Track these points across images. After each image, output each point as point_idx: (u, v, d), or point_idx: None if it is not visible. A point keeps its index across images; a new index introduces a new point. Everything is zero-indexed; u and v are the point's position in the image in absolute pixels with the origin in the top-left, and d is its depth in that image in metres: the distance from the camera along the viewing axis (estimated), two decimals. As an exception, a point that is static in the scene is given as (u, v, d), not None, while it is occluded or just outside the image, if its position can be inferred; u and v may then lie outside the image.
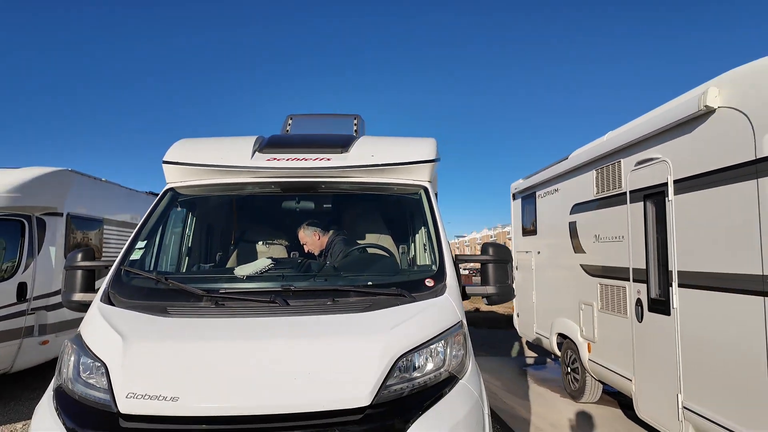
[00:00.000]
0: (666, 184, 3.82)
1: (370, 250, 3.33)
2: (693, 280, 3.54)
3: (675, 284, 3.71)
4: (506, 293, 2.81)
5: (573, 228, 5.62)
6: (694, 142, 3.55)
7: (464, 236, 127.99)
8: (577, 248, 5.51)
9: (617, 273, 4.64)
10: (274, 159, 3.02)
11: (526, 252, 7.32)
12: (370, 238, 3.62)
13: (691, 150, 3.59)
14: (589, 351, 5.22)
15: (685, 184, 3.63)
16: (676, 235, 3.72)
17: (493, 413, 5.13)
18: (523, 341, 8.81)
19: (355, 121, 4.71)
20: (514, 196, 7.90)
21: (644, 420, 4.26)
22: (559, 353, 6.13)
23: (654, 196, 4.06)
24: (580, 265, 5.41)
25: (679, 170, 3.70)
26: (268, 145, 3.21)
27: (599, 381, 5.29)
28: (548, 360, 7.80)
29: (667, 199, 3.82)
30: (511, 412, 5.17)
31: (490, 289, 2.78)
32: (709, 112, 3.33)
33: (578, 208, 5.51)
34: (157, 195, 3.28)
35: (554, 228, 6.16)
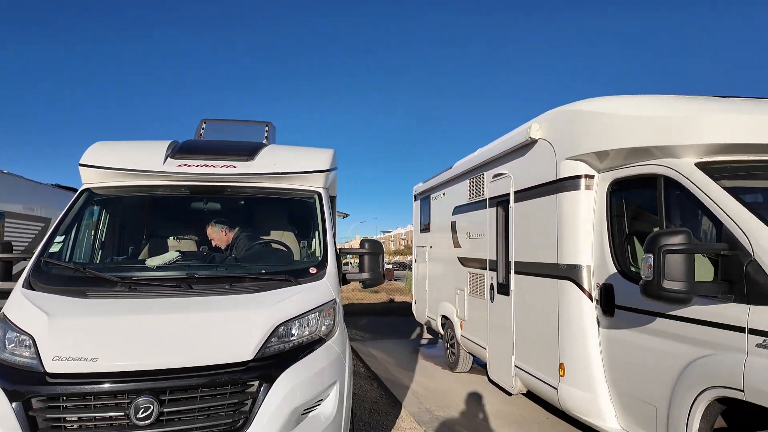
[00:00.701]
0: (509, 194, 4.90)
1: (272, 245, 3.95)
2: (522, 268, 4.64)
3: (512, 272, 4.80)
4: (377, 278, 3.60)
5: (453, 226, 6.68)
6: (525, 162, 4.64)
7: (390, 232, 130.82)
8: (456, 243, 6.57)
9: (480, 264, 5.71)
10: (185, 165, 3.53)
11: (422, 247, 8.35)
12: (275, 234, 4.13)
13: (524, 169, 4.67)
14: (461, 328, 6.30)
15: (520, 195, 4.72)
16: (514, 234, 4.81)
17: (380, 382, 6.04)
18: (425, 326, 9.91)
19: (267, 129, 5.29)
20: (415, 198, 8.91)
21: (493, 380, 5.37)
22: (442, 332, 7.20)
23: (502, 203, 5.14)
24: (457, 257, 6.47)
25: (517, 184, 4.78)
26: (180, 151, 3.70)
27: (469, 353, 6.39)
28: (439, 341, 8.92)
29: (509, 205, 4.90)
30: (395, 381, 6.10)
31: (364, 275, 3.55)
32: (533, 142, 4.41)
33: (457, 210, 6.57)
34: (64, 188, 3.67)
35: (441, 226, 7.20)
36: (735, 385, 2.50)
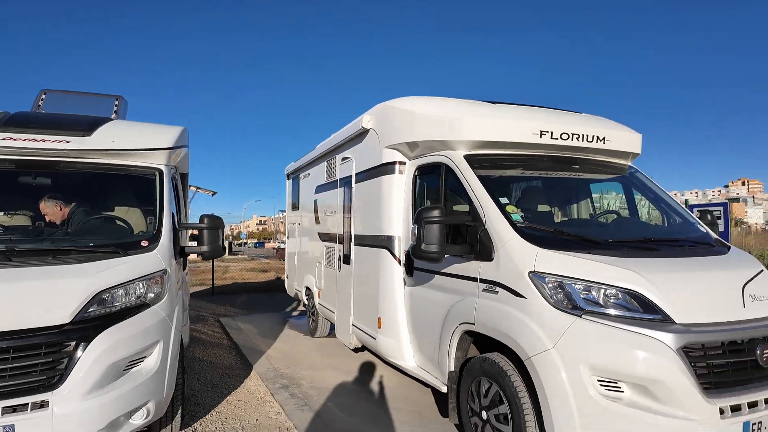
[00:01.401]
0: (351, 175, 5.57)
1: (111, 221, 4.02)
2: (359, 240, 5.36)
3: (353, 244, 5.51)
4: (216, 251, 3.96)
5: (315, 204, 7.25)
6: (362, 148, 5.32)
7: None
8: (317, 220, 7.16)
9: (333, 238, 6.37)
10: (10, 138, 3.53)
11: (293, 224, 8.85)
12: (120, 211, 4.15)
13: (362, 154, 5.36)
14: (319, 297, 6.96)
15: (359, 177, 5.40)
16: (354, 211, 5.50)
17: (238, 350, 6.49)
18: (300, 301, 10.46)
19: (116, 102, 5.30)
20: (288, 177, 9.32)
21: (339, 339, 6.11)
22: (306, 303, 7.81)
23: (348, 183, 5.80)
24: (318, 233, 7.07)
25: (357, 167, 5.46)
26: (7, 123, 3.65)
27: (326, 319, 7.08)
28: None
29: (353, 185, 5.57)
30: (255, 348, 6.59)
31: (204, 248, 3.91)
32: (366, 131, 5.09)
33: (319, 189, 7.14)
34: None
35: (307, 204, 7.74)
36: (471, 320, 3.40)
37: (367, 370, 5.54)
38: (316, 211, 7.25)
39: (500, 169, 3.93)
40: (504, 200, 3.54)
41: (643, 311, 2.71)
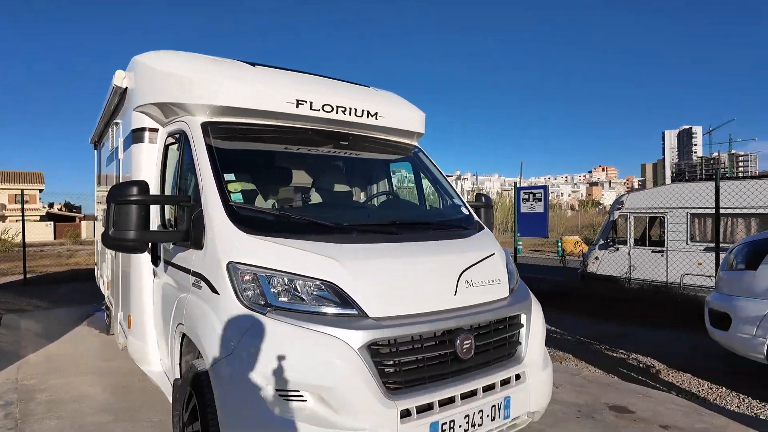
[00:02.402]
0: (119, 144, 4.63)
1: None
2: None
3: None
4: None
5: (106, 179, 6.13)
6: (125, 111, 4.39)
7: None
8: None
9: (113, 219, 5.37)
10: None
11: (99, 203, 7.55)
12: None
13: (124, 117, 4.42)
14: (107, 288, 5.93)
15: (124, 145, 4.47)
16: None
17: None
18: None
19: None
20: (94, 146, 7.94)
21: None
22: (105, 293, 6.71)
23: (117, 153, 4.85)
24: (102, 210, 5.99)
25: (123, 133, 4.52)
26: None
27: (119, 313, 6.10)
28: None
29: (120, 156, 4.63)
30: (11, 351, 5.43)
31: None
32: (123, 90, 4.21)
33: (107, 159, 6.02)
34: None
35: (101, 178, 6.56)
36: (183, 321, 2.81)
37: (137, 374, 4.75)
38: (106, 185, 6.14)
39: (244, 141, 3.35)
40: (230, 177, 2.96)
41: (338, 305, 2.34)
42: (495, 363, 2.71)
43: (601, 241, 11.92)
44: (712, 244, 9.37)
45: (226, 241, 2.54)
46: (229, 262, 2.45)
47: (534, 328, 2.98)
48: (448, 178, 4.19)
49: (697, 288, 9.45)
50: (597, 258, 11.83)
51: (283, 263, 2.40)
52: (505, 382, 2.67)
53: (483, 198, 4.24)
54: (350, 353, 2.16)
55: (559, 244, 24.02)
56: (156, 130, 3.83)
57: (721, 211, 7.61)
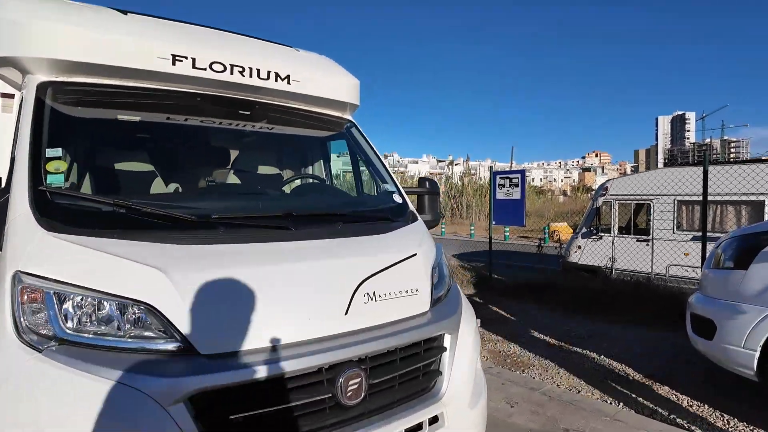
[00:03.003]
0: None
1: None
2: None
3: None
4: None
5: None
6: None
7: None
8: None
9: None
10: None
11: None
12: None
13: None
14: None
15: None
16: None
17: None
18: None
19: None
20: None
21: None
22: None
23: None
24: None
25: None
26: None
27: None
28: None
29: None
30: None
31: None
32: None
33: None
34: None
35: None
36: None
37: None
38: None
39: (99, 107, 2.60)
40: (55, 152, 2.23)
41: (154, 338, 1.65)
42: (402, 404, 2.04)
43: (584, 230, 11.30)
44: (700, 233, 8.82)
45: (19, 241, 1.82)
46: (16, 272, 1.74)
47: (461, 351, 2.31)
48: (382, 158, 3.48)
49: (683, 279, 8.89)
50: (579, 247, 11.21)
51: (87, 276, 1.70)
52: (413, 431, 2.01)
53: (427, 183, 3.54)
54: (155, 414, 1.47)
55: (546, 231, 23.56)
56: (11, 96, 3.07)
57: (710, 198, 6.98)
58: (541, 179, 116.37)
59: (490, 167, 8.93)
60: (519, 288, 8.47)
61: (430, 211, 3.45)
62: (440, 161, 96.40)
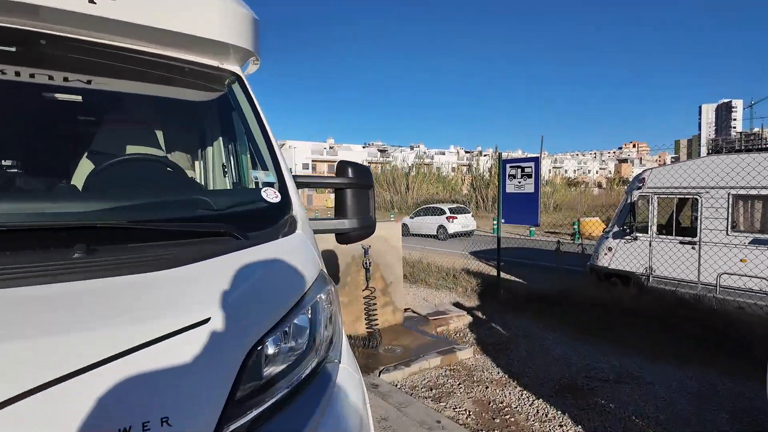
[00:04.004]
0: None
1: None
2: None
3: None
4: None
5: None
6: None
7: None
8: None
9: None
10: None
11: None
12: None
13: None
14: None
15: None
16: None
17: None
18: None
19: None
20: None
21: None
22: None
23: None
24: None
25: None
26: None
27: None
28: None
29: None
30: None
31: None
32: None
33: None
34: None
35: None
36: None
37: None
38: None
39: None
40: None
41: None
42: None
43: (616, 228, 9.64)
44: (763, 236, 7.08)
45: None
46: None
47: None
48: (269, 130, 2.17)
49: (738, 291, 7.21)
50: (609, 249, 9.56)
51: None
52: None
53: (350, 170, 2.20)
54: None
55: (576, 226, 21.61)
56: None
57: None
58: (574, 170, 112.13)
59: (499, 154, 7.46)
60: (531, 300, 7.02)
61: (354, 214, 2.15)
62: (468, 152, 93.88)
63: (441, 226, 20.64)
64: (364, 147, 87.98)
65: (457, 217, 20.61)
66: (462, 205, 24.59)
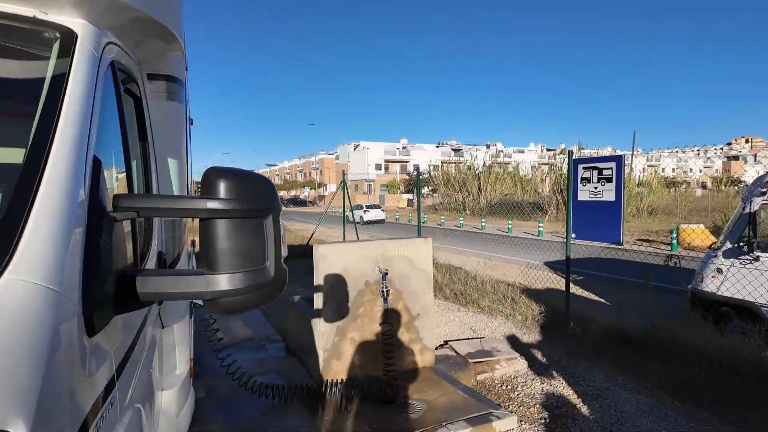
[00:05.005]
0: None
1: None
2: None
3: None
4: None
5: None
6: None
7: (275, 165, 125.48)
8: None
9: None
10: None
11: None
12: None
13: None
14: None
15: None
16: None
17: None
18: None
19: None
20: None
21: None
22: None
23: None
24: None
25: None
26: None
27: None
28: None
29: None
30: None
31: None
32: None
33: None
34: None
35: None
36: None
37: None
38: None
39: None
40: None
41: None
42: None
43: (728, 244, 7.60)
44: None
45: None
46: None
47: None
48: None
49: None
50: (719, 270, 7.54)
51: None
52: None
53: (222, 185, 1.14)
54: None
55: (674, 234, 18.64)
56: None
57: None
58: (673, 169, 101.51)
59: (569, 152, 5.97)
60: (610, 341, 5.47)
61: (230, 264, 1.14)
62: (550, 150, 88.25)
63: (360, 216, 31.88)
64: (437, 146, 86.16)
65: (369, 211, 33.78)
66: (376, 203, 41.28)
